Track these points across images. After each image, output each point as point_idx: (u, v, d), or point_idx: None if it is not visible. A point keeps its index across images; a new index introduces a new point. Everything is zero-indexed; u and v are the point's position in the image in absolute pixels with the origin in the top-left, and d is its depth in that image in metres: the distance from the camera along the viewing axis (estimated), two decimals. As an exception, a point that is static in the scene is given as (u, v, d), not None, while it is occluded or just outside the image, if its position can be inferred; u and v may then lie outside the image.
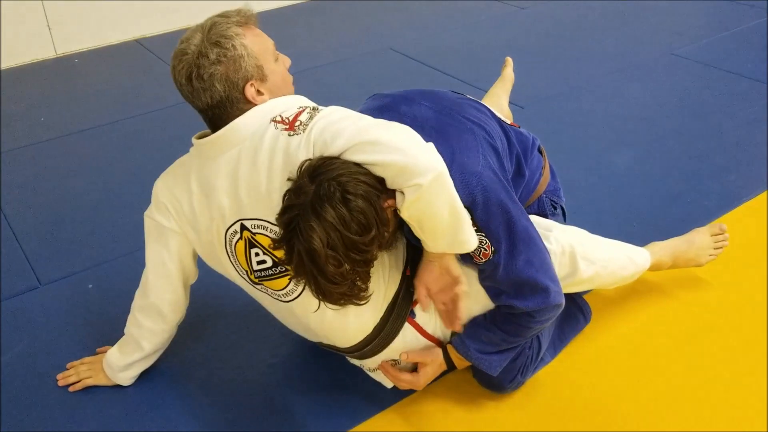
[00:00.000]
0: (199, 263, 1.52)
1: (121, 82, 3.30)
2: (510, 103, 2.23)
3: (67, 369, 1.66)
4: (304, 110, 1.31)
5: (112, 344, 1.61)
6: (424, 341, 1.46)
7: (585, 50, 3.34)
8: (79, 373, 1.64)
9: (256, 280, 1.40)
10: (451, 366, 1.49)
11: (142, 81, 3.28)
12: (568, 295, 1.63)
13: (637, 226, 2.07)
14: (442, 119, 1.42)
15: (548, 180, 1.68)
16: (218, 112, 1.33)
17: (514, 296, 1.36)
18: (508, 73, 2.23)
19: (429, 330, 1.45)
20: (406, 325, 1.41)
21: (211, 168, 1.35)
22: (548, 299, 1.38)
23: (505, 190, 1.34)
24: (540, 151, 1.69)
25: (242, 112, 1.33)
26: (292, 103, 1.35)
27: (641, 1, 3.87)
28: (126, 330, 1.58)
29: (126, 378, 1.60)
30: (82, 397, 1.60)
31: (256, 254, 1.36)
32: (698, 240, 1.80)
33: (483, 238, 1.32)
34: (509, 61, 2.27)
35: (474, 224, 1.30)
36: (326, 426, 1.51)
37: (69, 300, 1.91)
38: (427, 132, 1.27)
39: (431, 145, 1.21)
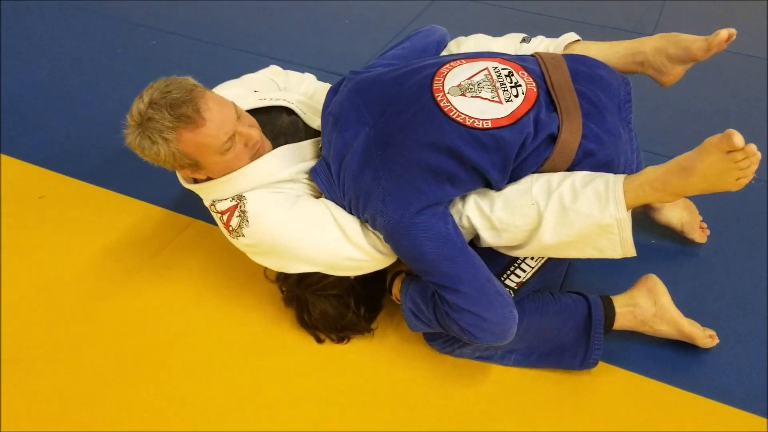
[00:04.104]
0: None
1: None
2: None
3: None
4: (234, 210, 1.44)
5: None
6: None
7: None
8: None
9: None
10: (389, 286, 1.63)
11: None
12: (584, 326, 1.51)
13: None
14: (369, 159, 1.37)
15: (570, 158, 1.37)
16: None
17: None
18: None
19: None
20: None
21: None
22: (483, 324, 1.36)
23: (437, 238, 1.35)
24: (553, 137, 1.36)
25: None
26: (226, 190, 1.45)
27: None
28: None
29: None
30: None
31: None
32: (702, 167, 1.24)
33: None
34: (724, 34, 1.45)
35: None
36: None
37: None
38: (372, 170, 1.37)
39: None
